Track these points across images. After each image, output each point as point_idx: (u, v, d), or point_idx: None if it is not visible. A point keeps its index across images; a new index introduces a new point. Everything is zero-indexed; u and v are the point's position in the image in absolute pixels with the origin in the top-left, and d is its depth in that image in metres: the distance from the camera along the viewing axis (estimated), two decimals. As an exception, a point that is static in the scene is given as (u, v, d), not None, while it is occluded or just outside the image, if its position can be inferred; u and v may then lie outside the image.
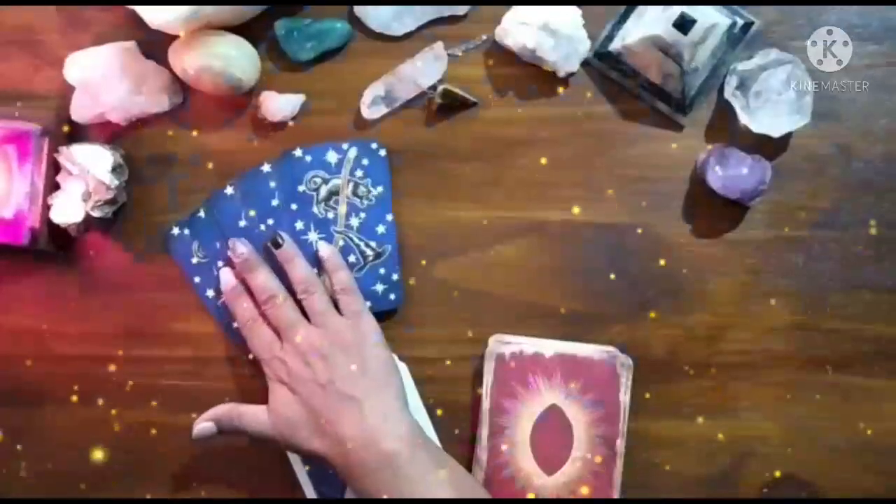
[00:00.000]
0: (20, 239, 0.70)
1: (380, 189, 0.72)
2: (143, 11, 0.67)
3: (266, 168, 0.72)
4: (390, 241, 0.72)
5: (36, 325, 0.73)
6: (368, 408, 0.65)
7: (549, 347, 0.71)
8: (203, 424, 0.68)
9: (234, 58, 0.69)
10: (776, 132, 0.70)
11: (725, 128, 0.72)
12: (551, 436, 0.71)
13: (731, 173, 0.69)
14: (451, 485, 0.64)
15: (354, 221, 0.72)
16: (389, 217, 0.72)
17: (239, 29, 0.71)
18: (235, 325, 0.71)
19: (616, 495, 0.70)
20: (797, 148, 0.72)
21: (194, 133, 0.73)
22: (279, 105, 0.71)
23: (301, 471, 0.71)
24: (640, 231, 0.72)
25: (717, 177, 0.70)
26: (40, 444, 0.73)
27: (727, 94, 0.70)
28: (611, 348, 0.71)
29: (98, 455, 0.73)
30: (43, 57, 0.73)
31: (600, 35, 0.72)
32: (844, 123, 0.72)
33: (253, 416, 0.68)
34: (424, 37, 0.72)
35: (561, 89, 0.72)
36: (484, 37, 0.73)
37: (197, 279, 0.72)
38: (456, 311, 0.72)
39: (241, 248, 0.70)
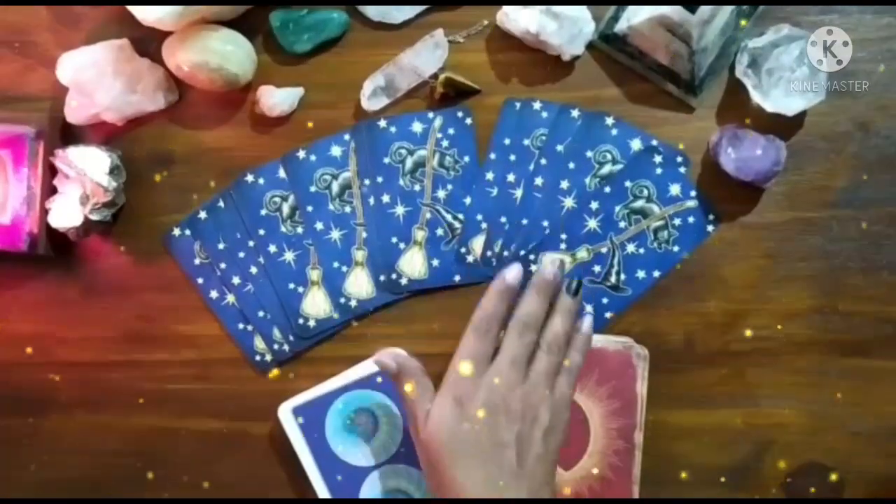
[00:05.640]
0: (19, 245, 0.69)
1: (467, 159, 0.70)
2: (135, 9, 0.66)
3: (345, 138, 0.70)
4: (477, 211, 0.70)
5: (38, 331, 0.72)
6: (515, 491, 0.60)
7: (562, 339, 0.70)
8: (390, 360, 0.63)
9: (230, 53, 0.68)
10: (790, 111, 0.67)
11: (738, 108, 0.70)
12: (566, 430, 0.69)
13: (745, 155, 0.67)
14: None
15: (441, 193, 0.70)
16: (475, 187, 0.70)
17: (233, 22, 0.69)
18: (242, 326, 0.71)
19: (636, 488, 0.69)
20: (812, 126, 0.70)
21: (191, 131, 0.71)
22: (277, 99, 0.70)
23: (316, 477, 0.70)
24: (652, 217, 0.70)
25: (730, 159, 0.68)
26: (45, 452, 0.72)
27: (738, 73, 0.68)
28: (625, 338, 0.69)
29: (104, 461, 0.72)
30: (35, 57, 0.72)
31: (605, 16, 0.70)
32: (861, 99, 0.70)
33: (420, 401, 0.63)
34: (424, 24, 0.71)
35: (566, 74, 0.71)
36: (485, 22, 0.71)
37: (200, 280, 0.71)
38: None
39: (555, 270, 0.64)
